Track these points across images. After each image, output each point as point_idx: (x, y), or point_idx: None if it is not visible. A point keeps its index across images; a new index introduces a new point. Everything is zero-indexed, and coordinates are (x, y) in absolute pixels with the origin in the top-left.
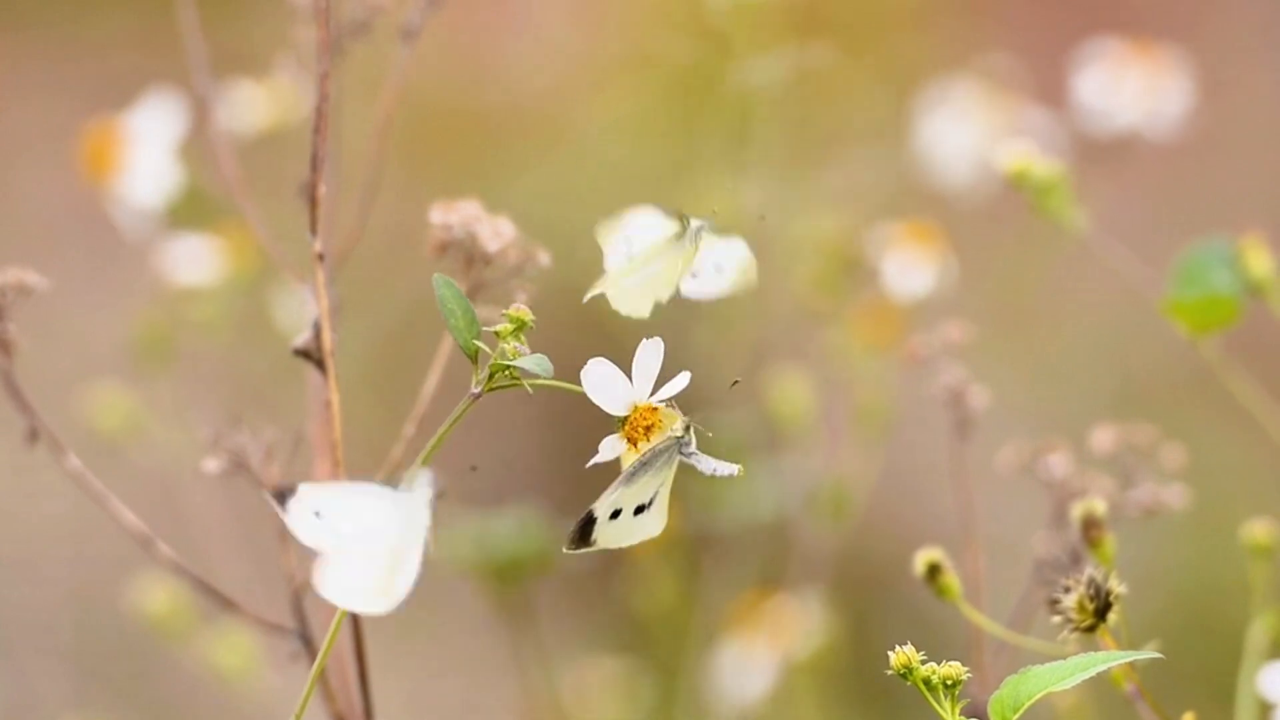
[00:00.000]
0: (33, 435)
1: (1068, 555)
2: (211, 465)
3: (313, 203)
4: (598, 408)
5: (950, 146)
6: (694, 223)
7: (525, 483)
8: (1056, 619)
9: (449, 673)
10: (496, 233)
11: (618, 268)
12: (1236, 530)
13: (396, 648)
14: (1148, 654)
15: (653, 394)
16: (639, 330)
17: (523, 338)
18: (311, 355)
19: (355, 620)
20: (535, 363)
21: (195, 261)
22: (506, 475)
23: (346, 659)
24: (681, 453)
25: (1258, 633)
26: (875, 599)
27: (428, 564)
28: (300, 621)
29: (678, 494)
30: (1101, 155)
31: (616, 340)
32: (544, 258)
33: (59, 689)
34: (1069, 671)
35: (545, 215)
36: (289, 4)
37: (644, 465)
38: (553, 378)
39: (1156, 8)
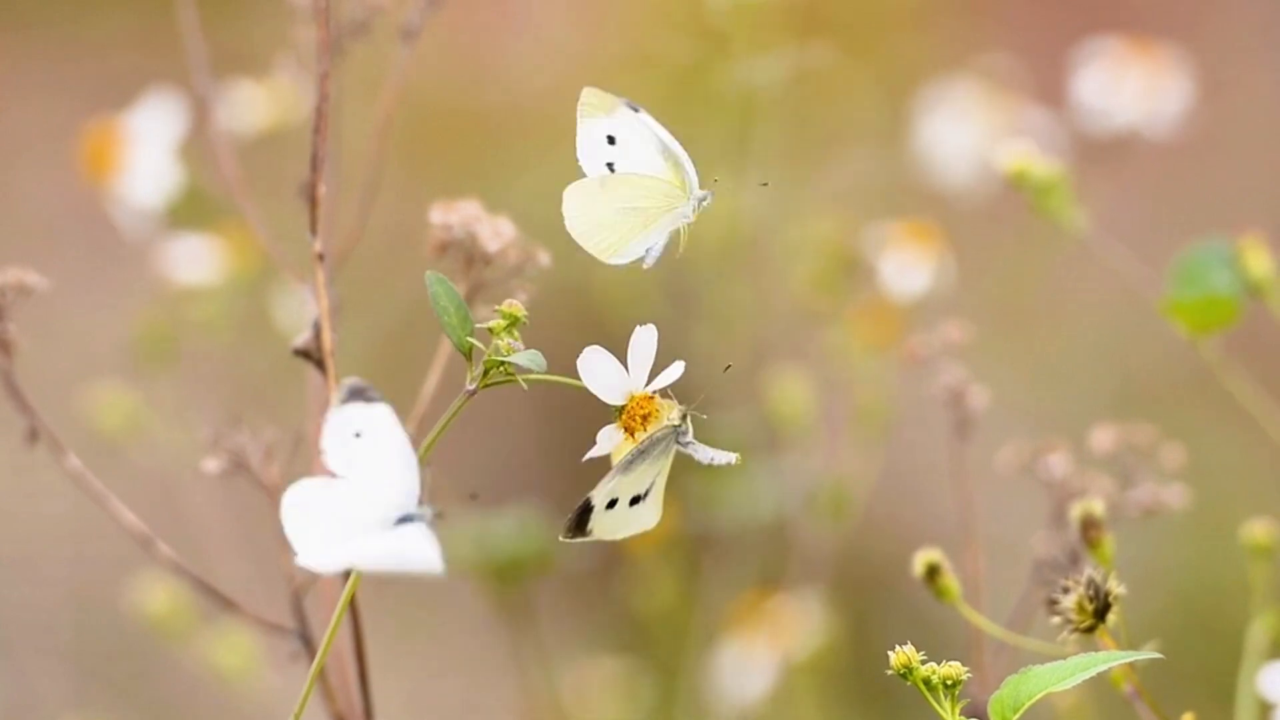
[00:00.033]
0: (33, 435)
1: (1067, 555)
2: (211, 465)
3: (313, 203)
4: (596, 404)
5: (950, 146)
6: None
7: (524, 481)
8: (1056, 620)
9: (449, 673)
10: (496, 233)
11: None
12: (1236, 530)
13: (396, 648)
14: (1147, 654)
15: (648, 383)
16: None
17: (516, 333)
18: (311, 355)
19: (355, 620)
20: (529, 358)
21: (195, 261)
22: (505, 474)
23: (346, 659)
24: (679, 442)
25: (1258, 633)
26: (875, 599)
27: None
28: (300, 621)
29: (677, 494)
30: (1101, 155)
31: (617, 340)
32: (544, 258)
33: (59, 689)
34: (1069, 672)
35: (545, 215)
36: (289, 4)
37: (641, 454)
38: (549, 374)
39: (1156, 8)
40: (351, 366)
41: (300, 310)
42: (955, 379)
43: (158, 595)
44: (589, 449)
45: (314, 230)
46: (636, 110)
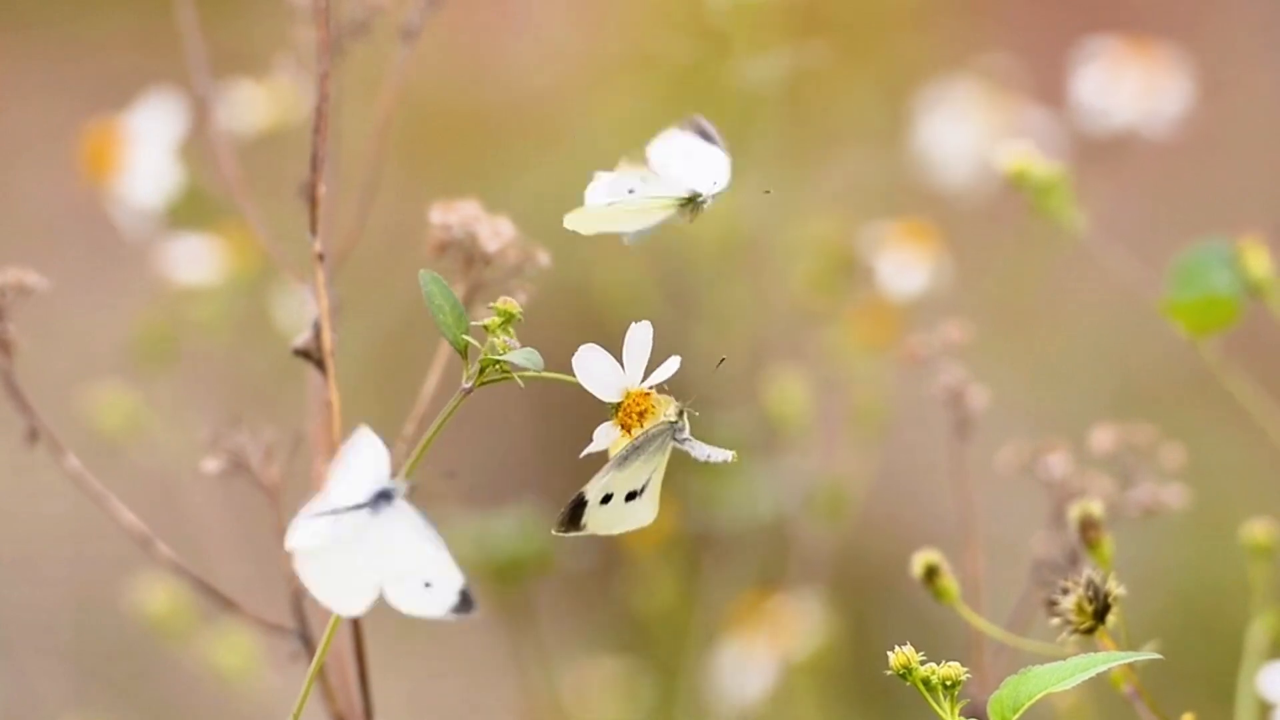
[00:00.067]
0: (32, 435)
1: (1066, 556)
2: (211, 465)
3: (312, 203)
4: (594, 401)
5: (949, 146)
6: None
7: (523, 479)
8: (1055, 621)
9: (449, 673)
10: (496, 233)
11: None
12: (1236, 530)
13: (396, 648)
14: (1147, 655)
15: (644, 380)
16: None
17: (511, 331)
18: (311, 355)
19: (355, 620)
20: (524, 356)
21: (195, 261)
22: (503, 472)
23: (346, 659)
24: (675, 438)
25: (1258, 633)
26: (875, 599)
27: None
28: (300, 621)
29: (677, 493)
30: (1100, 155)
31: (615, 339)
32: (543, 258)
33: (59, 689)
34: (1068, 672)
35: (545, 215)
36: (289, 4)
37: (637, 449)
38: (546, 372)
39: (1156, 8)
40: (351, 366)
41: (300, 310)
42: (955, 379)
43: (157, 595)
44: (587, 446)
45: (314, 230)
46: (708, 141)
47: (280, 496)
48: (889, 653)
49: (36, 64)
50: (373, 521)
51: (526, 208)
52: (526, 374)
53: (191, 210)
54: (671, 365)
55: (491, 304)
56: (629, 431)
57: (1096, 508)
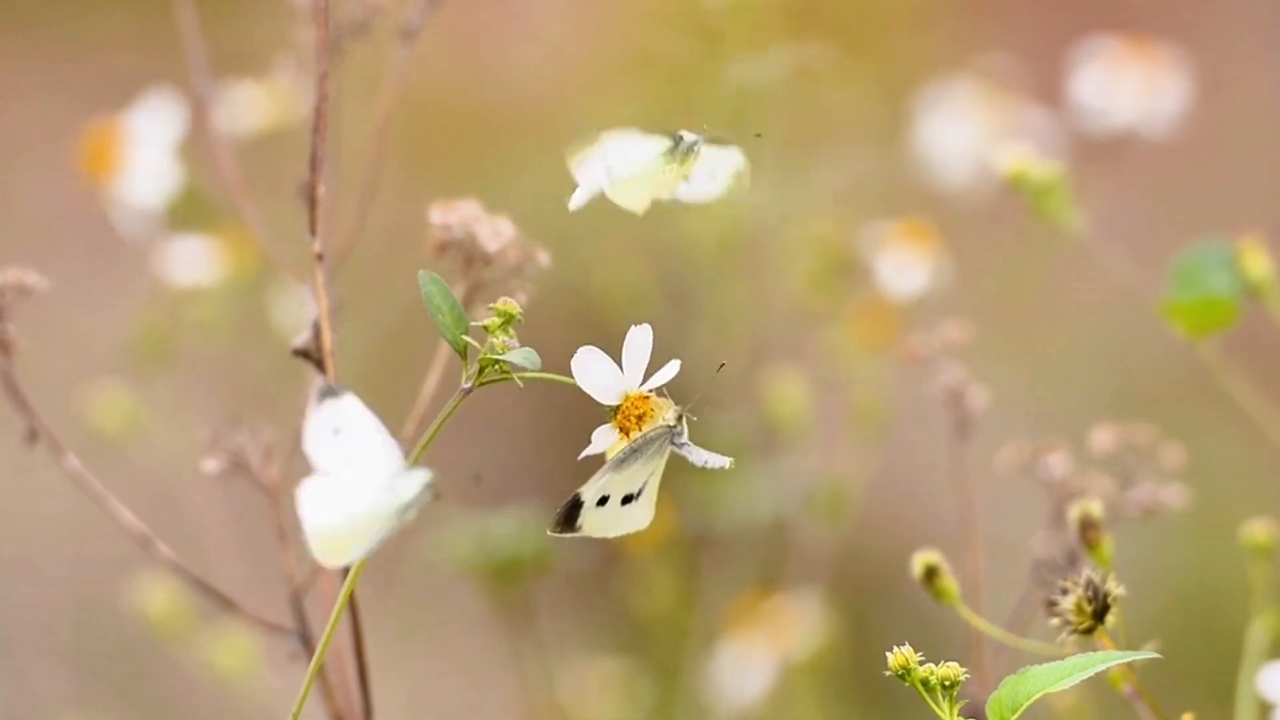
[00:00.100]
0: (32, 435)
1: (1066, 556)
2: (211, 465)
3: (312, 203)
4: (594, 402)
5: (949, 146)
6: (689, 135)
7: (523, 480)
8: (1055, 621)
9: (449, 673)
10: (496, 233)
11: (596, 184)
12: (1236, 530)
13: (396, 647)
14: (1146, 654)
15: (643, 383)
16: None
17: (511, 331)
18: (311, 355)
19: (355, 620)
20: (523, 356)
21: (194, 262)
22: (503, 473)
23: (346, 658)
24: (673, 443)
25: (1258, 633)
26: (875, 599)
27: (428, 564)
28: (300, 621)
29: (675, 494)
30: (1100, 154)
31: (615, 340)
32: (543, 258)
33: (59, 689)
34: (1067, 672)
35: (545, 215)
36: (288, 4)
37: (635, 452)
38: (545, 372)
39: (1156, 8)
40: (351, 366)
41: (299, 310)
42: (955, 379)
43: (157, 595)
44: (587, 448)
45: (313, 230)
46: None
47: (280, 496)
48: (888, 653)
49: (36, 64)
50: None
51: (526, 208)
52: (526, 374)
53: (191, 210)
54: (671, 369)
55: (491, 305)
56: (627, 434)
57: (1096, 508)
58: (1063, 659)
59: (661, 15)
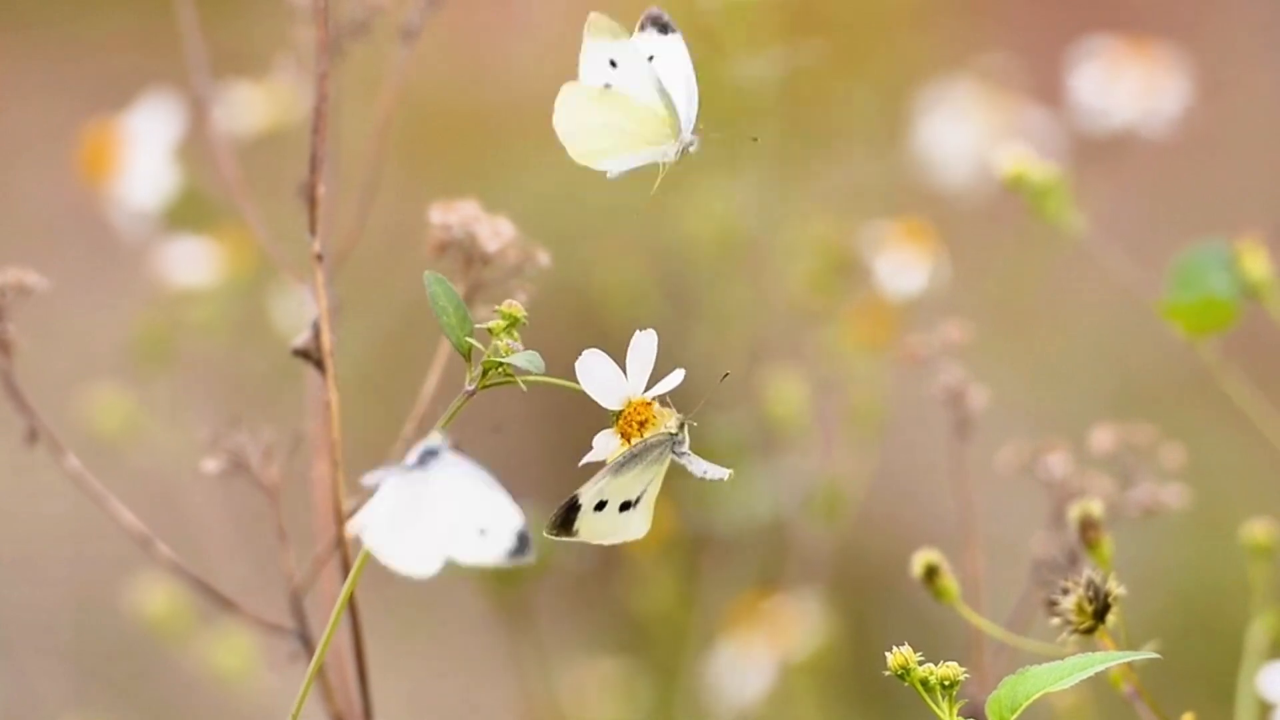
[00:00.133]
0: (32, 435)
1: (1066, 556)
2: (211, 465)
3: (312, 203)
4: (596, 406)
5: (949, 146)
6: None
7: (524, 481)
8: (1055, 620)
9: (449, 673)
10: (495, 233)
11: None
12: (1236, 530)
13: (396, 648)
14: (1146, 654)
15: (647, 389)
16: (637, 330)
17: (516, 334)
18: (311, 355)
19: (354, 620)
20: (527, 359)
21: (193, 263)
22: (505, 474)
23: (346, 658)
24: (674, 451)
25: (1258, 633)
26: (875, 599)
27: None
28: (299, 621)
29: (675, 494)
30: (1099, 154)
31: (614, 340)
32: (543, 258)
33: (59, 689)
34: (1067, 672)
35: (545, 215)
36: (288, 4)
37: (634, 457)
38: (547, 375)
39: (1156, 8)
40: (351, 367)
41: (299, 310)
42: (954, 379)
43: (157, 596)
44: (589, 451)
45: (313, 230)
46: (666, 32)
47: (280, 496)
48: (888, 653)
49: (36, 64)
50: (426, 479)
51: (526, 208)
52: (529, 378)
53: (190, 211)
54: (675, 378)
55: (497, 307)
56: (628, 440)
57: (1096, 508)
58: (1062, 659)
59: None
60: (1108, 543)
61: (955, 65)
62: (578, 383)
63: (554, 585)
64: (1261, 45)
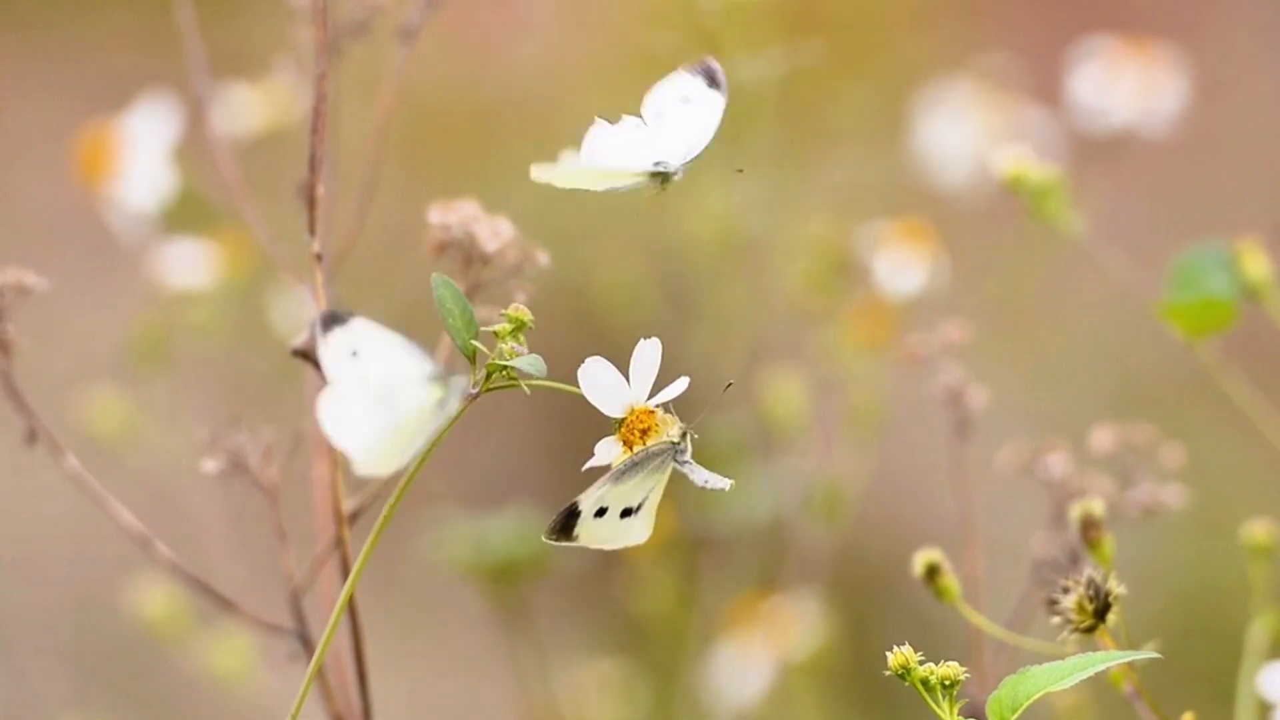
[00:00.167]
0: (32, 436)
1: (1067, 555)
2: (210, 465)
3: (311, 203)
4: (596, 408)
5: (949, 146)
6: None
7: (526, 482)
8: (1056, 620)
9: (448, 673)
10: (495, 233)
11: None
12: (1236, 530)
13: (396, 648)
14: (1147, 654)
15: (650, 397)
16: (636, 331)
17: (521, 338)
18: (310, 355)
19: (354, 620)
20: (530, 363)
21: (190, 266)
22: (505, 475)
23: (345, 659)
24: (676, 460)
25: (1258, 633)
26: (874, 599)
27: (427, 564)
28: (299, 622)
29: (673, 495)
30: (1098, 154)
31: (614, 340)
32: (542, 258)
33: (59, 689)
34: (1067, 672)
35: (545, 215)
36: (288, 4)
37: (635, 465)
38: (549, 378)
39: (1156, 7)
40: None
41: (298, 311)
42: (954, 379)
43: (156, 597)
44: (591, 454)
45: (312, 230)
46: (713, 86)
47: (279, 497)
48: (888, 653)
49: (36, 64)
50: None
51: (526, 208)
52: (532, 382)
53: (188, 213)
54: (679, 386)
55: (503, 310)
56: (630, 448)
57: (1098, 507)
58: (1063, 659)
59: (660, 15)
60: (1109, 542)
61: (955, 65)
62: (577, 386)
63: (553, 586)
64: (1261, 45)
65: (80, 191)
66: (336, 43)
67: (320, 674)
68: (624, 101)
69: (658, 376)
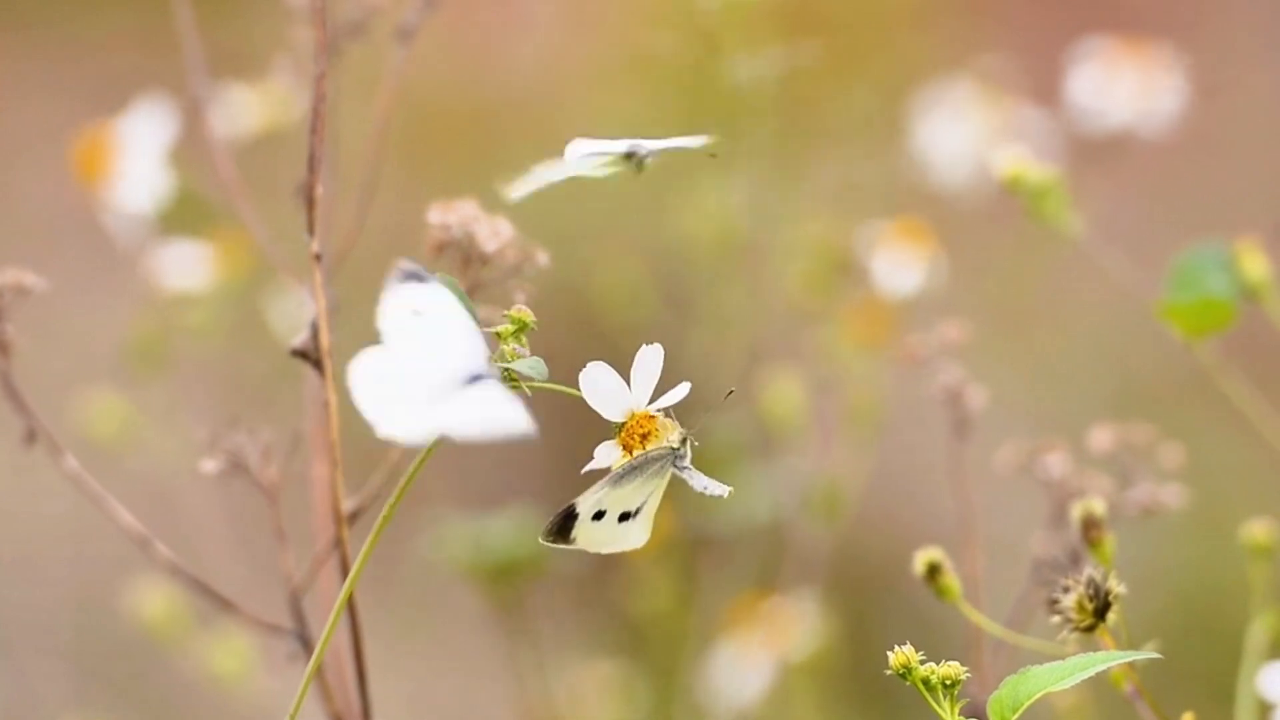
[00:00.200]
0: (31, 436)
1: (1067, 555)
2: (209, 466)
3: (310, 203)
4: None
5: (948, 146)
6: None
7: (523, 483)
8: (1056, 619)
9: (448, 673)
10: (494, 232)
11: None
12: (1236, 530)
13: (395, 648)
14: (1147, 654)
15: (651, 402)
16: (635, 331)
17: (524, 340)
18: (309, 355)
19: (353, 620)
20: (530, 366)
21: (187, 267)
22: (504, 475)
23: (345, 659)
24: (675, 465)
25: (1258, 633)
26: (874, 599)
27: (426, 564)
28: (298, 622)
29: (672, 495)
30: (1097, 154)
31: (613, 341)
32: (542, 258)
33: (59, 689)
34: (1068, 671)
35: (545, 215)
36: (287, 4)
37: (635, 469)
38: (549, 379)
39: (1156, 7)
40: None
41: (297, 311)
42: (953, 379)
43: (156, 597)
44: (590, 457)
45: (311, 231)
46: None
47: (278, 497)
48: (888, 653)
49: (36, 64)
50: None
51: (526, 208)
52: (533, 384)
53: (187, 213)
54: (680, 392)
55: (505, 311)
56: (630, 453)
57: (1099, 506)
58: (1063, 659)
59: (660, 15)
60: (1110, 541)
61: (955, 65)
62: (578, 388)
63: (552, 586)
64: (1261, 45)
65: (79, 192)
66: (335, 43)
67: (319, 674)
68: (624, 102)
69: (660, 387)
